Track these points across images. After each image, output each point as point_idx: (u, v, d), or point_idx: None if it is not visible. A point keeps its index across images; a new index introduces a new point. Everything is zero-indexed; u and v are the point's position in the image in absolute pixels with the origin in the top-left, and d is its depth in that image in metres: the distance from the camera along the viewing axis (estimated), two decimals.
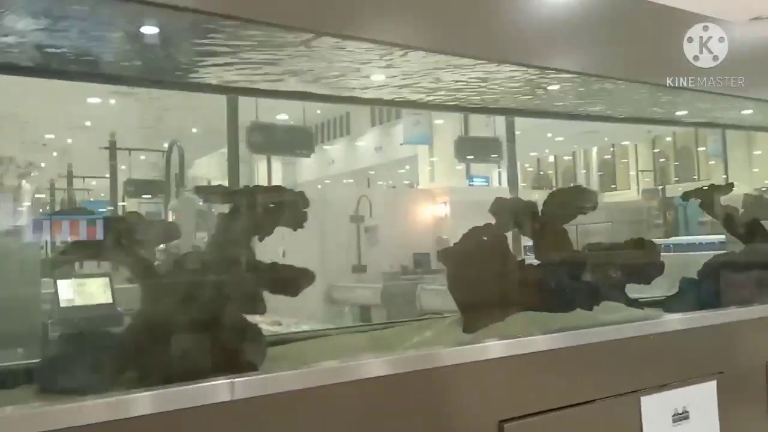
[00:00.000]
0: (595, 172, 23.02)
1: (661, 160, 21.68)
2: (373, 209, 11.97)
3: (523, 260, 2.07)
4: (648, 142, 21.46)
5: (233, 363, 1.44)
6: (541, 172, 24.49)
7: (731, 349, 2.17)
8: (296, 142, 8.39)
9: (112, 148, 12.71)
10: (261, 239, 1.71)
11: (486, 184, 13.40)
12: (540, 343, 1.74)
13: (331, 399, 1.43)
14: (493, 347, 1.68)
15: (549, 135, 19.81)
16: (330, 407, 1.43)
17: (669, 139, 21.46)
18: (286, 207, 1.71)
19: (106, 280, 6.77)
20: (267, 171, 18.32)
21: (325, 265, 10.32)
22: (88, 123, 17.92)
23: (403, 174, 19.09)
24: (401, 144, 14.17)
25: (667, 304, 2.32)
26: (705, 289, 2.37)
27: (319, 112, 21.91)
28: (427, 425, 1.55)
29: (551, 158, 24.61)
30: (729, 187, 2.57)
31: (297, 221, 1.73)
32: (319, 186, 21.49)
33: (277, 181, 19.03)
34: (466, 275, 1.95)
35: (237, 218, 1.62)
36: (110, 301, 6.39)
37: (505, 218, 2.14)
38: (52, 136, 18.18)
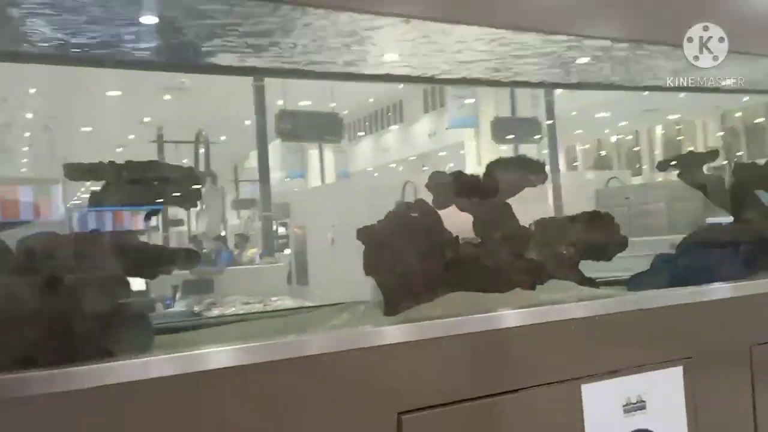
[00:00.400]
0: (660, 151, 22.13)
1: (719, 134, 20.60)
2: (419, 195, 11.80)
3: (457, 237, 1.88)
4: (716, 117, 20.47)
5: (90, 350, 1.33)
6: (602, 153, 23.74)
7: (704, 331, 1.93)
8: (325, 128, 8.29)
9: (160, 141, 12.97)
10: (146, 219, 1.60)
11: None
12: (452, 326, 1.56)
13: (205, 388, 1.31)
14: (393, 331, 1.51)
15: (607, 114, 19.17)
16: (202, 397, 1.30)
17: (739, 114, 20.41)
18: (171, 185, 1.59)
19: None
20: (319, 160, 18.42)
21: None
22: (147, 119, 18.42)
23: (457, 159, 18.82)
24: (446, 128, 13.93)
25: (633, 283, 2.09)
26: (682, 266, 2.13)
27: (371, 100, 21.89)
28: (316, 416, 1.40)
29: (613, 138, 23.82)
30: (712, 154, 2.30)
31: (185, 200, 1.60)
32: (376, 174, 21.46)
33: (329, 170, 19.11)
34: (387, 254, 1.78)
35: (107, 197, 1.51)
36: (143, 288, 6.51)
37: (442, 193, 1.96)
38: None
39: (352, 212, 10.29)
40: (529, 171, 1.98)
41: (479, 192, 1.96)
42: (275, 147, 18.08)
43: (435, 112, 19.11)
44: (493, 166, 1.96)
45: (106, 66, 2.58)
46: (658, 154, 22.09)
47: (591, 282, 1.96)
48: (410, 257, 1.80)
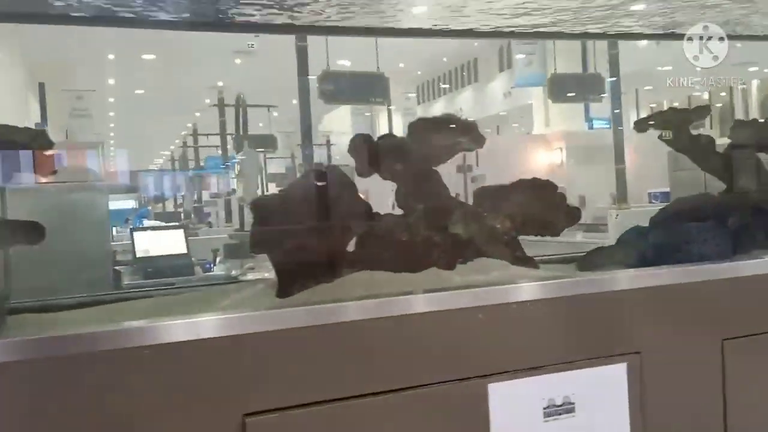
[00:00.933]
0: (756, 110, 20.60)
1: None
2: (482, 158, 11.42)
3: (369, 208, 1.65)
4: None
5: None
6: None
7: (661, 321, 1.63)
8: (370, 89, 8.04)
9: (221, 105, 13.06)
10: None
11: (608, 126, 12.25)
12: (321, 314, 1.35)
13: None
14: (238, 320, 1.31)
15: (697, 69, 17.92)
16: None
17: None
18: (20, 147, 1.43)
19: (182, 231, 6.97)
20: (387, 122, 18.15)
21: None
22: (220, 83, 18.69)
23: (529, 120, 18.16)
24: (512, 87, 13.36)
25: (587, 261, 1.80)
26: (653, 242, 1.82)
27: (445, 59, 21.36)
28: (150, 414, 1.24)
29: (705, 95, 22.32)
30: (700, 111, 1.96)
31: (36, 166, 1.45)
32: None
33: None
34: (280, 228, 1.57)
35: None
36: (185, 251, 6.57)
37: (365, 159, 1.72)
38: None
39: None
40: (459, 133, 1.71)
41: (404, 157, 1.72)
42: (344, 110, 17.96)
43: (510, 70, 18.44)
44: (417, 128, 1.70)
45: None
46: (754, 112, 20.61)
47: (528, 261, 1.69)
48: (309, 232, 1.60)
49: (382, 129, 19.28)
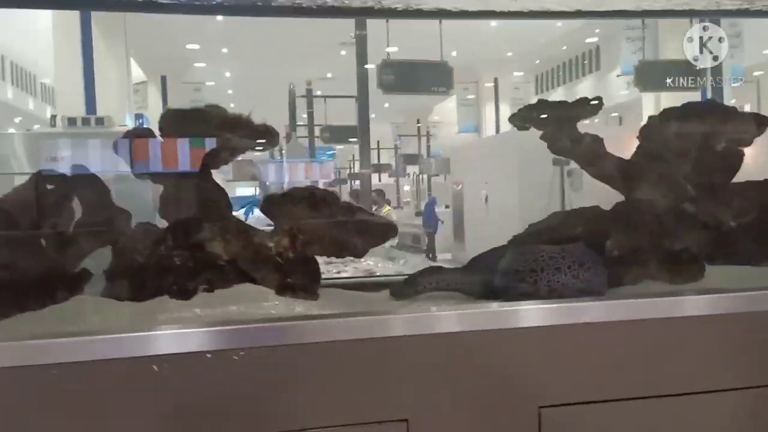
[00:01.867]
0: None
1: None
2: None
3: (122, 219, 1.34)
4: None
5: None
6: None
7: (448, 379, 1.20)
8: (433, 78, 7.61)
9: (309, 96, 13.08)
10: None
11: None
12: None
13: None
14: None
15: None
16: None
17: None
18: None
19: None
20: (495, 114, 17.52)
21: (524, 210, 9.56)
22: (329, 74, 18.87)
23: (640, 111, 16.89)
24: (617, 75, 12.33)
25: (406, 287, 1.38)
26: (501, 268, 1.38)
27: (564, 48, 20.40)
28: None
29: None
30: (588, 104, 1.48)
31: None
32: None
33: (504, 124, 18.12)
34: None
35: None
36: None
37: (133, 158, 1.42)
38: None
39: (504, 169, 9.56)
40: (219, 127, 1.35)
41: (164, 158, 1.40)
42: (451, 101, 17.51)
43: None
44: (167, 121, 1.36)
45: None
46: None
47: (303, 289, 1.31)
48: (19, 247, 1.32)
49: (490, 121, 18.63)
